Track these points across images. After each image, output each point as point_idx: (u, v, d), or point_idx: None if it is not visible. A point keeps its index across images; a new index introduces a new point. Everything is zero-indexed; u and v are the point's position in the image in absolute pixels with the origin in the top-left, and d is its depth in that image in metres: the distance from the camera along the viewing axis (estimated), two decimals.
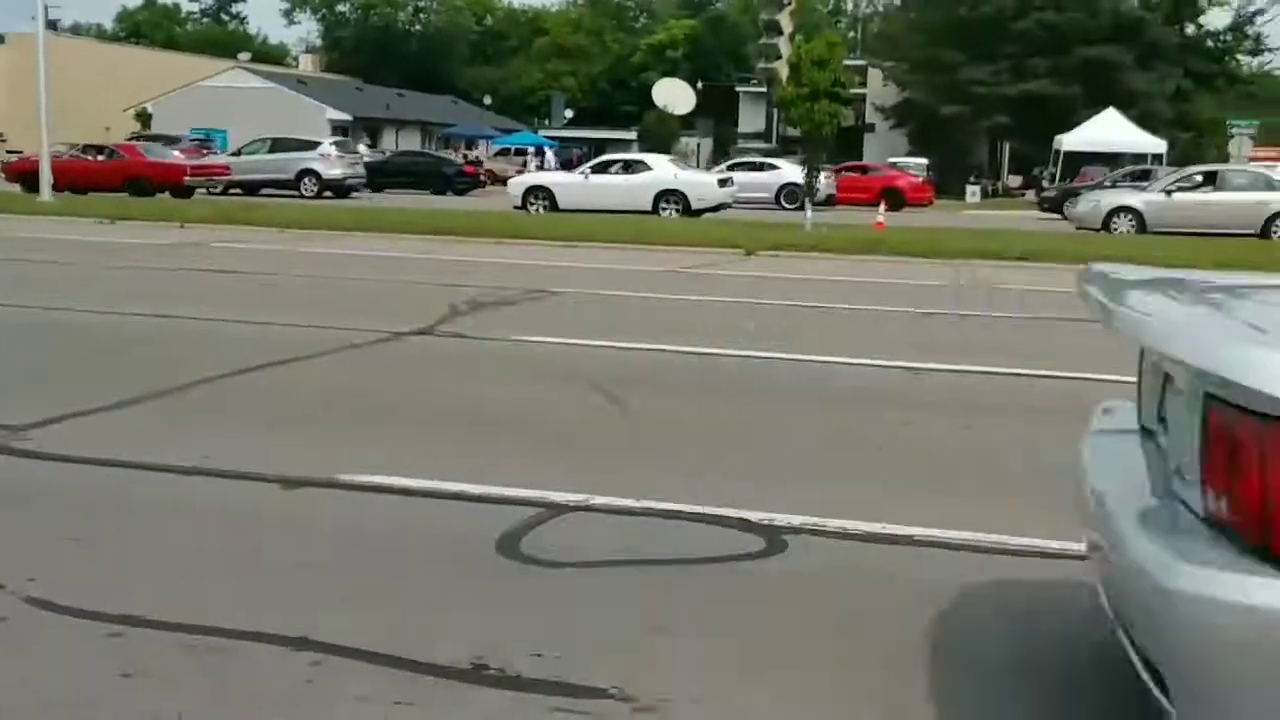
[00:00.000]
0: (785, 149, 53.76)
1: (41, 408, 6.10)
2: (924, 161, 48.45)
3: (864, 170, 41.85)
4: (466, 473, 5.17)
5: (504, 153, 58.11)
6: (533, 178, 32.23)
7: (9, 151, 42.63)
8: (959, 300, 12.67)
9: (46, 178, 26.80)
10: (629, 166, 30.07)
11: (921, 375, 8.10)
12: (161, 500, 4.83)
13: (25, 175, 32.24)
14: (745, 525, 4.58)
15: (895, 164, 44.89)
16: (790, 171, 36.77)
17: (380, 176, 40.71)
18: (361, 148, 45.57)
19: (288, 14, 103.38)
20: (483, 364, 8.33)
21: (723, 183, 30.45)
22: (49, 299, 10.59)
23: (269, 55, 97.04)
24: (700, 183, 29.62)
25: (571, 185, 29.49)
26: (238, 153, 37.56)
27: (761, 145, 58.36)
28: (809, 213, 22.84)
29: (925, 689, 3.27)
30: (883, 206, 26.12)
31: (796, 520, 4.63)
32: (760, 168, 38.16)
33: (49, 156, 27.40)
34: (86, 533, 4.38)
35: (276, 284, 13.02)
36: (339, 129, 64.00)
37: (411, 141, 66.85)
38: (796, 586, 4.03)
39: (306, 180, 35.15)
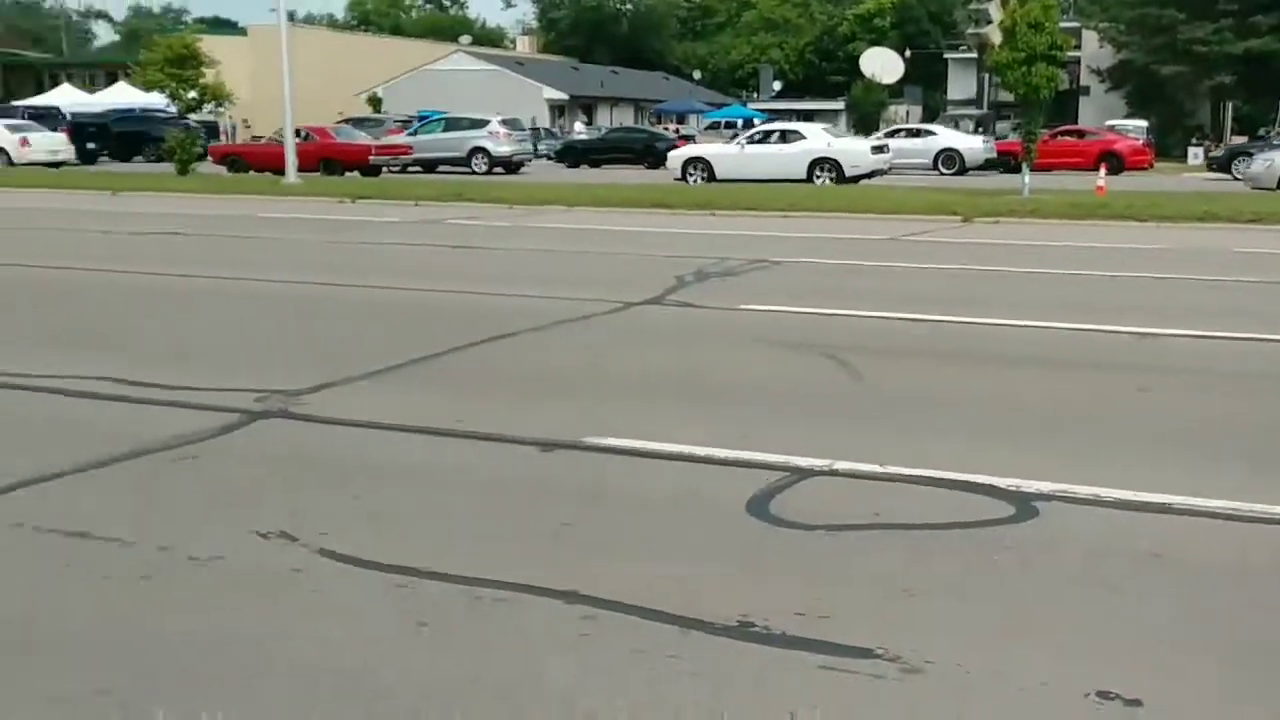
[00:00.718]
0: (998, 114, 52.02)
1: (313, 374, 6.46)
2: (1143, 124, 46.05)
3: (1080, 134, 39.99)
4: (709, 437, 5.22)
5: (714, 126, 58.06)
6: (691, 149, 32.39)
7: (254, 137, 44.99)
8: (1187, 263, 12.04)
9: (292, 161, 28.16)
10: (784, 136, 29.87)
11: (1151, 339, 7.75)
12: (428, 461, 5.05)
13: (230, 158, 34.29)
14: (992, 491, 4.49)
15: (1113, 127, 42.81)
16: (948, 137, 36.74)
17: (596, 152, 41.44)
18: (578, 125, 46.28)
19: None
20: (713, 332, 8.38)
21: (877, 149, 29.98)
22: (308, 274, 11.17)
23: (488, 38, 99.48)
24: (854, 150, 29.19)
25: (728, 156, 29.60)
26: (415, 132, 38.98)
27: (973, 111, 56.66)
28: (1026, 178, 22.11)
29: (1213, 665, 3.14)
30: (1103, 170, 24.99)
31: (1046, 487, 4.50)
32: (918, 134, 37.62)
33: (292, 142, 28.76)
34: (364, 490, 4.62)
35: (509, 257, 13.40)
36: (555, 108, 65.23)
37: (625, 118, 67.53)
38: (1053, 554, 3.92)
39: (477, 157, 36.46)
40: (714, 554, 3.94)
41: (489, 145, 36.66)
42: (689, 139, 44.35)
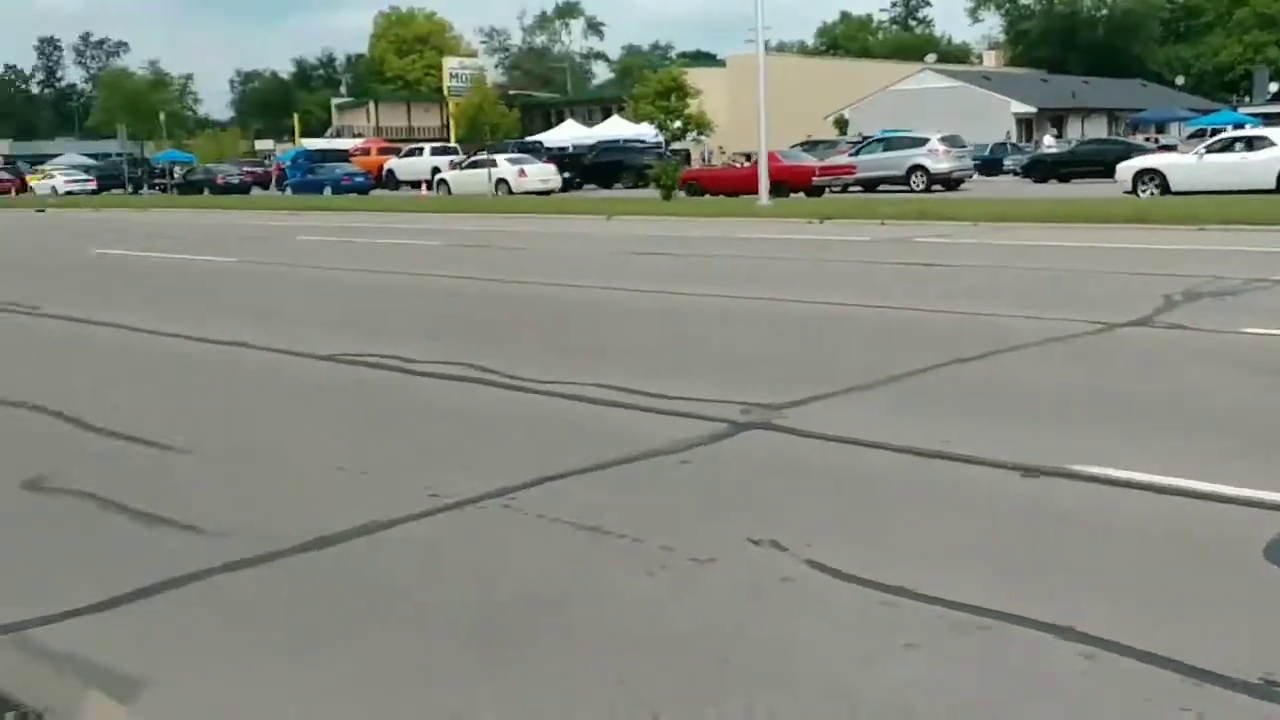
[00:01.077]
0: None
1: (794, 389, 6.58)
2: None
3: None
4: (1208, 472, 4.76)
5: (1198, 134, 53.45)
6: (1143, 160, 29.65)
7: (734, 155, 46.73)
8: None
9: (765, 184, 29.02)
10: (1250, 143, 26.60)
11: None
12: (908, 480, 4.98)
13: (689, 184, 35.32)
14: None
15: None
16: None
17: (1065, 166, 39.51)
18: (1047, 139, 44.26)
19: (972, 13, 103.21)
20: (1209, 357, 7.68)
21: None
22: (770, 290, 11.45)
23: (953, 55, 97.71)
24: None
25: (1184, 166, 27.04)
26: (857, 152, 38.76)
27: None
28: None
29: None
30: None
31: None
32: None
33: (766, 166, 29.61)
34: (847, 506, 4.64)
35: (980, 275, 13.02)
36: (1023, 121, 62.75)
37: (1097, 130, 63.83)
38: None
39: (916, 175, 35.98)
40: (1225, 600, 3.59)
41: (927, 163, 36.34)
42: (1169, 149, 41.11)
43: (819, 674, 3.18)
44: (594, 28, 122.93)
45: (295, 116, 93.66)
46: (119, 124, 59.87)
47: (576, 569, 4.03)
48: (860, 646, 3.34)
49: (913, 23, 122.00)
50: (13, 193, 59.04)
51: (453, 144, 59.12)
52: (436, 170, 47.09)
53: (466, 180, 42.41)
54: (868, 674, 3.17)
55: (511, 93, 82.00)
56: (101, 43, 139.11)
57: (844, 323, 9.62)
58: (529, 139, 56.81)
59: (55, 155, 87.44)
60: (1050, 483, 4.83)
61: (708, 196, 33.38)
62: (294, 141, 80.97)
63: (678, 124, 35.66)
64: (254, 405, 7.04)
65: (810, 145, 44.07)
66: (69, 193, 55.92)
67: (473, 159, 45.69)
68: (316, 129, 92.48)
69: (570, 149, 51.56)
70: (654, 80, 36.59)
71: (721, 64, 76.15)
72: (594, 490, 4.92)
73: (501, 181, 40.60)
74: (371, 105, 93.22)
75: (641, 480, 5.05)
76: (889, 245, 16.78)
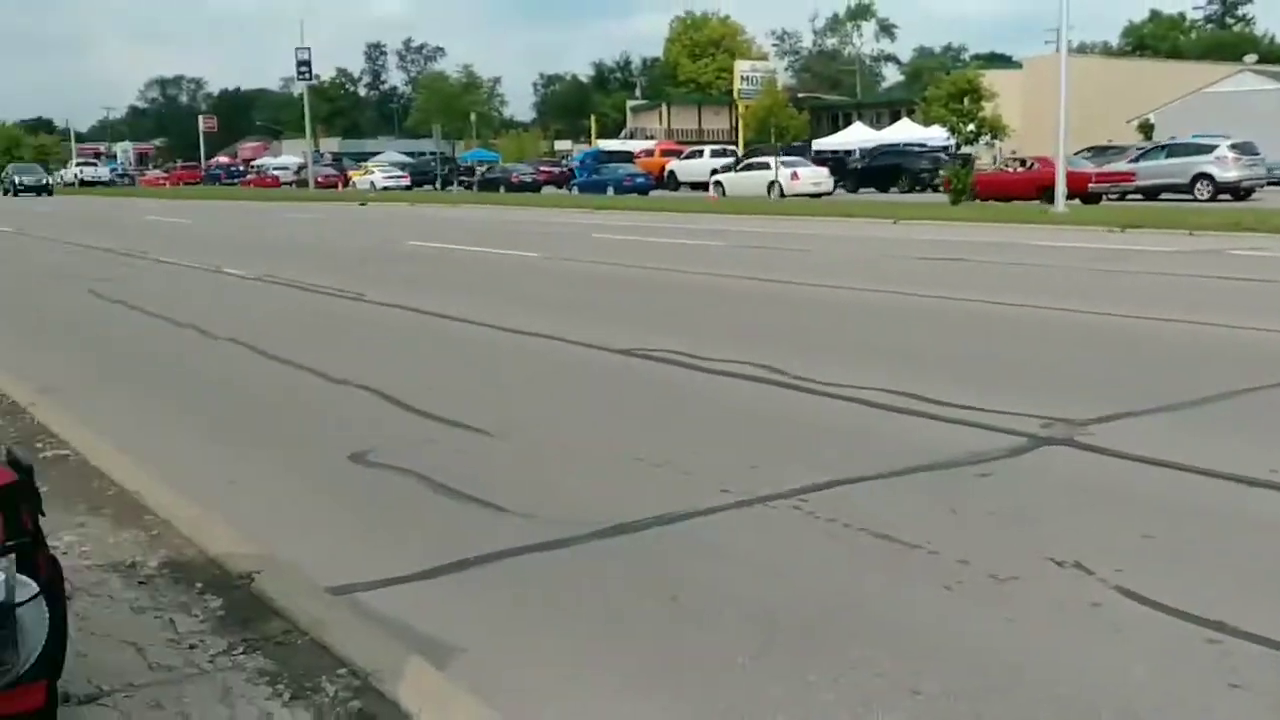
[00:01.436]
0: None
1: (1098, 405, 6.21)
2: None
3: None
4: None
5: None
6: None
7: (1009, 159, 44.78)
8: None
9: (1061, 190, 27.65)
10: None
11: None
12: (1229, 508, 4.60)
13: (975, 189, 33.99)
14: None
15: None
16: None
17: None
18: None
19: None
20: None
21: None
22: (1069, 300, 10.85)
23: (1276, 55, 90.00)
24: None
25: None
26: (1137, 159, 36.19)
27: None
28: None
29: None
30: None
31: None
32: None
33: (1063, 171, 28.22)
34: (1158, 530, 4.32)
35: None
36: None
37: None
38: None
39: (1200, 183, 33.39)
40: None
41: (1214, 170, 33.64)
42: None
43: (1135, 711, 2.97)
44: (886, 30, 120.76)
45: (592, 118, 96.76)
46: (434, 124, 63.59)
47: (870, 576, 3.93)
48: (1180, 684, 3.10)
49: (1230, 21, 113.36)
50: (339, 187, 64.14)
51: (731, 146, 59.67)
52: (714, 171, 47.64)
53: (741, 182, 42.90)
54: (1190, 716, 2.93)
55: (800, 95, 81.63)
56: (421, 48, 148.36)
57: (1152, 338, 9.02)
58: (805, 142, 56.81)
59: (377, 153, 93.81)
60: None
61: (984, 201, 32.16)
62: (590, 142, 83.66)
63: (970, 127, 34.46)
64: (558, 394, 7.28)
65: (1098, 151, 41.71)
66: (385, 188, 59.99)
67: (747, 161, 45.96)
68: (612, 130, 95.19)
69: (841, 152, 51.25)
70: (947, 83, 35.53)
71: (1018, 66, 73.17)
72: (888, 497, 4.80)
73: (774, 184, 40.97)
74: (664, 108, 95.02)
75: (938, 491, 4.88)
76: (1198, 258, 15.63)
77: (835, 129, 70.83)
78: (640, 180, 49.14)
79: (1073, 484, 4.96)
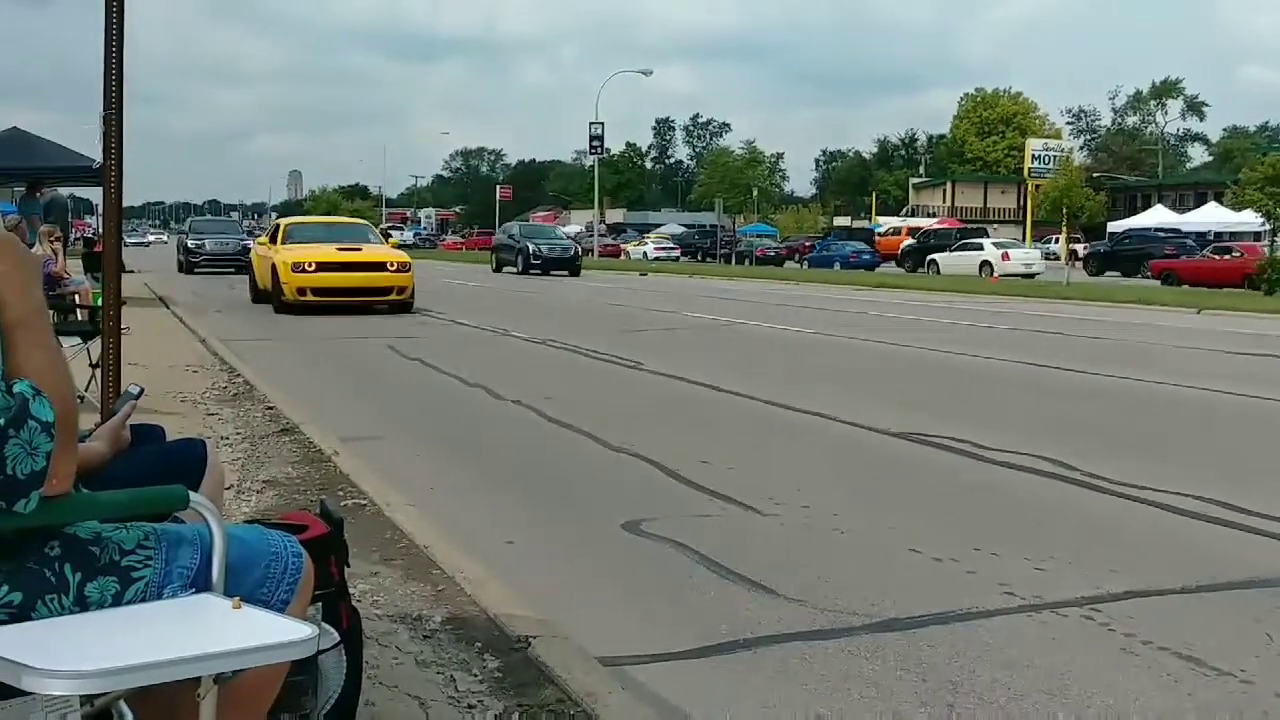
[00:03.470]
0: None
1: None
2: None
3: None
4: None
5: None
6: None
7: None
8: None
9: None
10: None
11: None
12: None
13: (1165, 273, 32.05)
14: None
15: None
16: None
17: None
18: None
19: None
20: None
21: None
22: None
23: None
24: None
25: None
26: None
27: None
28: None
29: None
30: None
31: None
32: None
33: None
34: None
35: None
36: None
37: None
38: None
39: None
40: None
41: None
42: None
43: None
44: (1193, 108, 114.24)
45: (872, 195, 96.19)
46: (715, 197, 65.01)
47: (1173, 700, 3.62)
48: None
49: None
50: (620, 255, 66.88)
51: (975, 226, 59.18)
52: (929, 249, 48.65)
53: (955, 261, 43.85)
54: None
55: (1096, 175, 78.30)
56: (708, 123, 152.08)
57: None
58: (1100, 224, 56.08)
59: (659, 224, 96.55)
60: None
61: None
62: (870, 219, 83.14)
63: None
64: (830, 474, 7.17)
65: None
66: (657, 258, 62.21)
67: (961, 242, 46.95)
68: (893, 207, 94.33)
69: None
70: (1265, 164, 33.18)
71: None
72: (1192, 614, 4.44)
73: (985, 264, 41.89)
74: (948, 185, 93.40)
75: (1250, 612, 4.47)
76: None
77: (1134, 211, 67.55)
78: (866, 257, 50.64)
79: None
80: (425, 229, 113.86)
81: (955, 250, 45.61)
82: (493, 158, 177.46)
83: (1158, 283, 35.50)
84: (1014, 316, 21.62)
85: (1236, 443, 8.52)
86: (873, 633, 4.19)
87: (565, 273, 38.10)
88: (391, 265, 20.58)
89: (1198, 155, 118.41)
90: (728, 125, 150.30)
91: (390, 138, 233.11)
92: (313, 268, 19.85)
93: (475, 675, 3.58)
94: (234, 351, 12.75)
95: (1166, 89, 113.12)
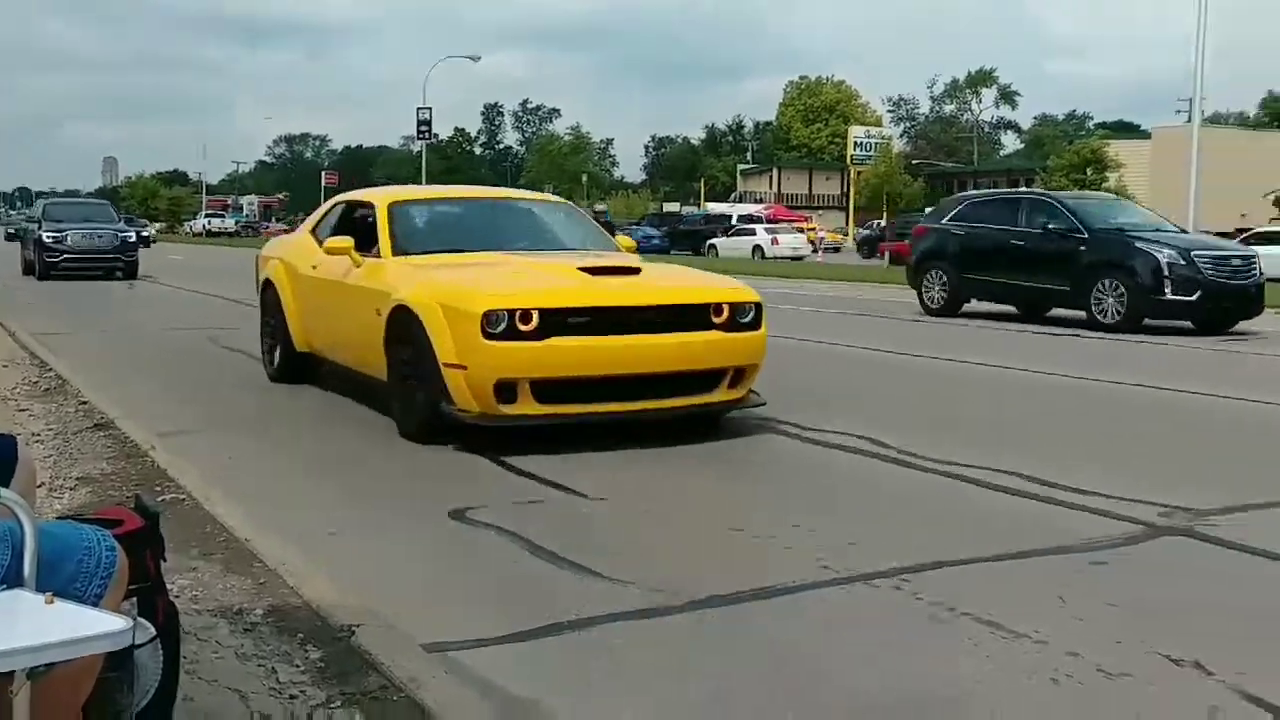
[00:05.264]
0: None
1: (1224, 495, 6.06)
2: None
3: None
4: None
5: None
6: None
7: None
8: None
9: None
10: None
11: None
12: None
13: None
14: None
15: None
16: None
17: None
18: None
19: None
20: None
21: None
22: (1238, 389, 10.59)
23: None
24: None
25: None
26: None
27: None
28: None
29: None
30: None
31: None
32: None
33: None
34: None
35: None
36: None
37: None
38: None
39: None
40: None
41: None
42: None
43: None
44: (1006, 96, 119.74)
45: (701, 181, 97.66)
46: (545, 184, 65.03)
47: (974, 663, 3.88)
48: None
49: None
50: None
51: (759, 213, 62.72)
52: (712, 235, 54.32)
53: (732, 245, 50.01)
54: None
55: (915, 161, 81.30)
56: (537, 109, 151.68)
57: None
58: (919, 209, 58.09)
59: None
60: None
61: None
62: (699, 205, 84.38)
63: None
64: (654, 459, 7.32)
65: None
66: None
67: (738, 227, 54.03)
68: (721, 194, 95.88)
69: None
70: (1070, 152, 35.14)
71: (1146, 135, 71.95)
72: (996, 582, 4.73)
73: (757, 248, 48.65)
74: (775, 172, 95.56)
75: (1049, 577, 4.80)
76: None
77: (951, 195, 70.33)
78: (656, 242, 53.50)
79: (1191, 577, 4.84)
80: (248, 215, 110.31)
81: (732, 235, 52.54)
82: (318, 143, 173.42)
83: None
84: (780, 295, 22.33)
85: (1040, 419, 9.04)
86: (697, 609, 4.34)
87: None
88: (721, 311, 7.76)
89: (1010, 143, 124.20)
90: (557, 111, 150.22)
91: (212, 124, 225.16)
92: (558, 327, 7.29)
93: (297, 666, 3.58)
94: (46, 345, 12.26)
95: (981, 78, 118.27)
